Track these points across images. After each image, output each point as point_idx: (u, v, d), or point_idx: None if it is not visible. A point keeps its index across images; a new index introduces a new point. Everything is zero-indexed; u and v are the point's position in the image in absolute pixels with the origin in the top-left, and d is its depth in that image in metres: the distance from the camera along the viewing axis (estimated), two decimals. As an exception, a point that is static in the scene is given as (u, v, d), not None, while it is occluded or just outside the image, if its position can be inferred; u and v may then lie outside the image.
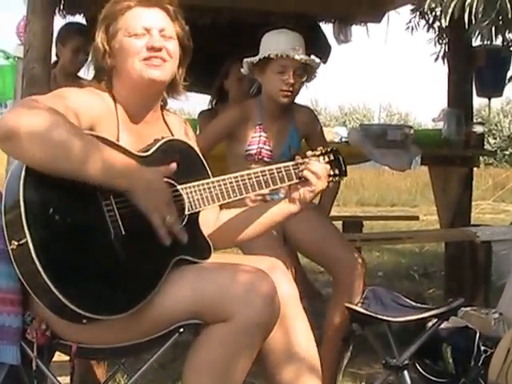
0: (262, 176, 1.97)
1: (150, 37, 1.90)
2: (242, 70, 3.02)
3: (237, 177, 1.94)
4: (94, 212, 1.72)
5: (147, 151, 1.87)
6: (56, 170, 1.65)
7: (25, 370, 1.81)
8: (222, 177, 1.93)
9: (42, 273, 1.61)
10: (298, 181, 2.01)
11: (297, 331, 1.96)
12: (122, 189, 1.73)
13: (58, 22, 3.73)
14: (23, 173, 1.65)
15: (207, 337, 1.77)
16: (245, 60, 2.84)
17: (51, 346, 1.82)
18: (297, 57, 2.73)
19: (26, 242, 1.61)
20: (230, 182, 1.93)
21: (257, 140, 2.84)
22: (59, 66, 3.55)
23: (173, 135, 2.00)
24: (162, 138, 1.93)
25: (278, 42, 2.78)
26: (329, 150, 2.10)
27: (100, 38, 1.91)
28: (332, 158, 2.09)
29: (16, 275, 1.75)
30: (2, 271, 1.74)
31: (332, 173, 2.07)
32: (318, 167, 2.01)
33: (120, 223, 1.74)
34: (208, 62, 3.95)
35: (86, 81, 1.95)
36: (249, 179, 1.95)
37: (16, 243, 1.64)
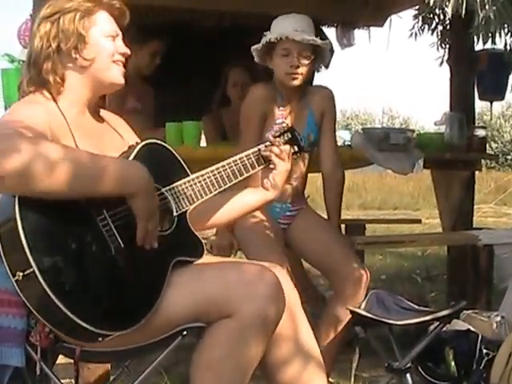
0: (235, 165, 2.02)
1: (118, 41, 1.95)
2: (239, 73, 3.02)
3: (213, 170, 1.98)
4: (91, 230, 1.72)
5: (127, 158, 1.86)
6: (66, 195, 1.64)
7: (29, 373, 1.81)
8: (200, 172, 1.97)
9: (55, 300, 1.61)
10: (266, 164, 2.08)
11: (299, 329, 1.97)
12: (128, 193, 1.74)
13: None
14: (17, 206, 1.62)
15: (213, 334, 1.78)
16: (252, 48, 2.82)
17: (55, 349, 1.82)
18: (296, 38, 2.70)
19: (33, 271, 1.60)
20: (209, 177, 1.96)
21: (279, 126, 2.80)
22: (133, 67, 3.47)
23: (117, 132, 2.03)
24: (136, 143, 1.94)
25: (280, 26, 2.76)
26: (285, 128, 2.17)
27: (79, 25, 1.87)
28: (290, 136, 2.15)
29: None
30: (5, 273, 1.73)
31: (293, 151, 2.14)
32: (277, 149, 2.07)
33: (117, 237, 1.75)
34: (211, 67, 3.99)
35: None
36: (224, 170, 1.99)
37: (21, 274, 1.63)
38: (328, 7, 4.36)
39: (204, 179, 1.95)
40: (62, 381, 1.86)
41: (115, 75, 1.94)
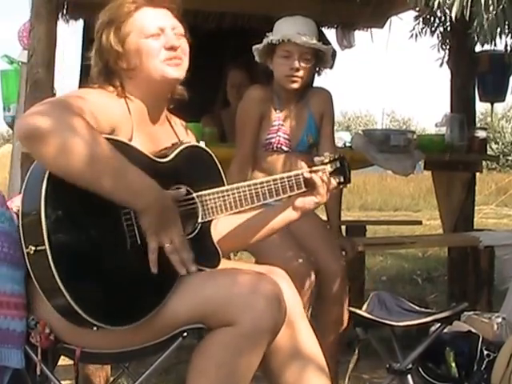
0: (274, 185, 1.97)
1: (165, 36, 1.90)
2: (237, 75, 3.00)
3: (250, 185, 1.94)
4: (112, 221, 1.72)
5: (166, 156, 1.87)
6: (77, 181, 1.65)
7: (29, 374, 1.81)
8: (236, 185, 1.94)
9: (58, 280, 1.62)
10: (306, 189, 2.01)
11: (301, 332, 1.96)
12: (136, 208, 1.73)
13: (61, 26, 3.75)
14: (45, 179, 1.65)
15: (212, 341, 1.77)
16: (253, 47, 2.81)
17: (55, 350, 1.82)
18: (299, 41, 2.68)
19: (45, 249, 1.61)
20: (244, 191, 1.93)
21: (276, 129, 2.79)
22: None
23: (178, 137, 2.01)
24: (181, 142, 1.94)
25: (283, 28, 2.75)
26: (336, 157, 2.09)
27: (111, 40, 1.89)
28: (339, 165, 2.08)
29: (20, 279, 1.77)
30: (6, 275, 1.75)
31: (338, 181, 2.07)
32: (324, 181, 2.00)
33: (137, 232, 1.74)
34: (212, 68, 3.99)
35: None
36: (261, 188, 1.95)
37: (33, 248, 1.64)
38: (328, 8, 4.36)
39: (238, 192, 1.92)
40: (62, 382, 1.86)
41: (165, 72, 1.89)
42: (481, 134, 4.14)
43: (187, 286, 1.80)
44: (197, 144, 2.02)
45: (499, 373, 2.54)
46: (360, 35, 4.92)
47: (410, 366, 2.51)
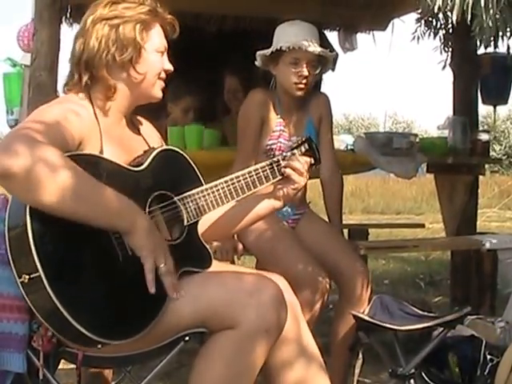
0: (250, 177, 1.99)
1: (164, 58, 1.94)
2: (232, 81, 2.97)
3: (227, 181, 1.96)
4: (101, 237, 1.71)
5: (141, 164, 1.86)
6: (55, 213, 1.62)
7: (30, 378, 1.81)
8: (214, 183, 1.95)
9: (59, 305, 1.60)
10: (281, 177, 2.03)
11: (302, 333, 1.97)
12: (122, 230, 1.72)
13: (65, 30, 3.75)
14: (28, 208, 1.62)
15: (214, 344, 1.77)
16: (258, 53, 2.80)
17: (57, 354, 1.82)
18: (310, 49, 2.68)
19: (39, 276, 1.60)
20: (222, 188, 1.94)
21: (277, 134, 2.79)
22: (170, 119, 3.75)
23: (145, 139, 2.02)
24: (153, 148, 1.93)
25: (290, 34, 2.73)
26: (303, 139, 2.11)
27: (138, 36, 1.85)
28: (307, 147, 2.10)
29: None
30: (8, 278, 1.74)
31: (310, 163, 2.08)
32: (298, 164, 2.02)
33: (126, 245, 1.74)
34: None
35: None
36: (238, 182, 1.97)
37: (27, 277, 1.63)
38: (330, 11, 4.36)
39: (217, 190, 1.94)
40: (63, 386, 1.85)
41: (157, 91, 1.95)
42: (484, 136, 4.13)
43: (188, 289, 1.80)
44: (169, 147, 2.01)
45: (502, 377, 2.53)
46: (362, 38, 4.93)
47: (413, 370, 2.50)
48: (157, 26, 1.93)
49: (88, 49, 1.84)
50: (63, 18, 3.83)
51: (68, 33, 3.75)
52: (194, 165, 2.00)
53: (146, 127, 2.09)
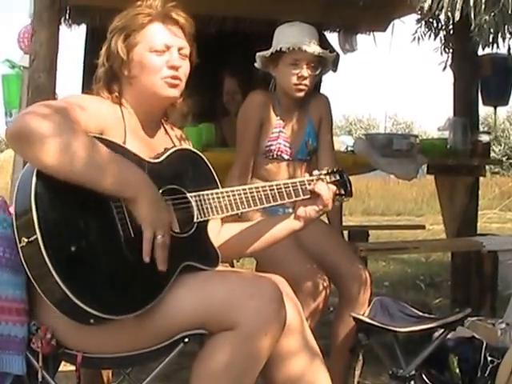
0: (270, 190, 1.99)
1: (170, 54, 1.93)
2: (230, 82, 2.97)
3: (245, 189, 1.96)
4: (104, 213, 1.72)
5: (157, 158, 1.88)
6: (65, 177, 1.66)
7: (29, 380, 1.81)
8: (232, 188, 1.95)
9: (52, 269, 1.61)
10: (304, 197, 2.02)
11: (305, 327, 1.97)
12: (128, 197, 1.73)
13: (64, 31, 3.75)
14: (34, 174, 1.66)
15: (214, 346, 1.76)
16: (257, 54, 2.80)
17: (56, 356, 1.81)
18: (309, 49, 2.68)
19: (36, 238, 1.61)
20: (239, 194, 1.94)
21: (276, 136, 2.79)
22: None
23: (173, 141, 2.03)
24: (173, 147, 1.95)
25: (290, 35, 2.73)
26: (335, 169, 2.11)
27: (120, 46, 1.92)
28: (338, 177, 2.10)
29: (21, 284, 1.76)
30: (7, 280, 1.74)
31: (338, 192, 2.08)
32: (325, 188, 2.02)
33: (129, 225, 1.74)
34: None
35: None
36: (257, 192, 1.96)
37: (26, 240, 1.64)
38: (330, 12, 4.36)
39: (234, 195, 1.93)
40: (63, 389, 1.85)
41: (164, 90, 1.93)
42: (484, 137, 4.12)
43: (188, 288, 1.80)
44: (188, 147, 2.02)
45: (503, 379, 2.53)
46: (362, 39, 4.93)
47: (413, 372, 2.50)
48: (155, 24, 1.93)
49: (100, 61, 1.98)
50: (62, 20, 3.83)
51: (67, 34, 3.75)
52: (211, 168, 2.00)
53: (176, 132, 2.10)
